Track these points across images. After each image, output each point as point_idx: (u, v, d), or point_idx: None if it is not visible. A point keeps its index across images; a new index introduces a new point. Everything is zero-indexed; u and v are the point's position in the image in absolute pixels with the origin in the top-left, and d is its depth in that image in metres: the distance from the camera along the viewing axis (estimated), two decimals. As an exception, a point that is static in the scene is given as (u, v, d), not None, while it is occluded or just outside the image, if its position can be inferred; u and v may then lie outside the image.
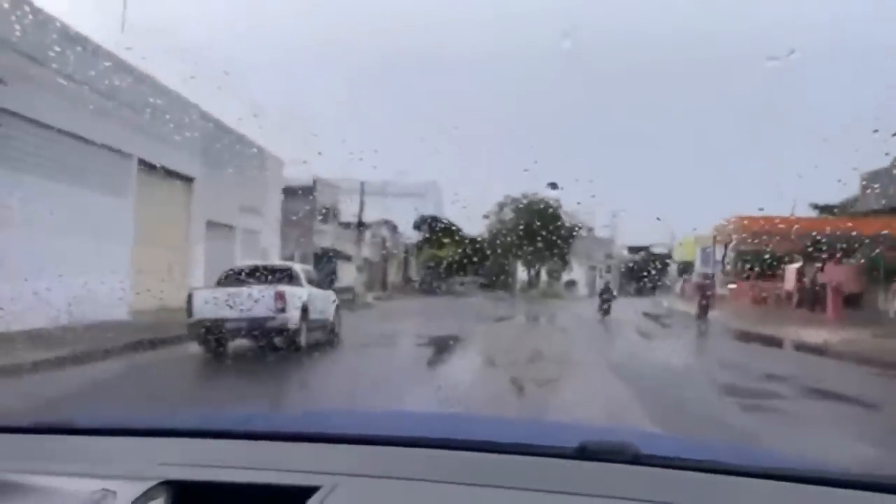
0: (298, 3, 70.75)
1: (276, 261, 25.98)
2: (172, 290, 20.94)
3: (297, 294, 12.96)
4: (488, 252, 53.18)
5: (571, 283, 62.42)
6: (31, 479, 1.32)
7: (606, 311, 23.51)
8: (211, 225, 22.79)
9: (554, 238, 50.61)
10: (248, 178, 24.47)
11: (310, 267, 18.02)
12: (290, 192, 30.92)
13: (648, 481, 1.31)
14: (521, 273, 58.95)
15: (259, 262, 17.17)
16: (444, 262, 52.52)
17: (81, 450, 1.54)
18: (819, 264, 33.83)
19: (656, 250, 70.47)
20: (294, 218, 31.06)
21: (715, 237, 31.66)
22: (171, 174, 20.11)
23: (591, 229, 61.60)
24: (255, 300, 12.26)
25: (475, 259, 55.02)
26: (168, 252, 20.62)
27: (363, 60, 68.50)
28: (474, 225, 56.32)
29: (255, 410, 5.65)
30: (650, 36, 62.52)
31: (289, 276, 13.73)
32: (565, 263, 59.04)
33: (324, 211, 34.60)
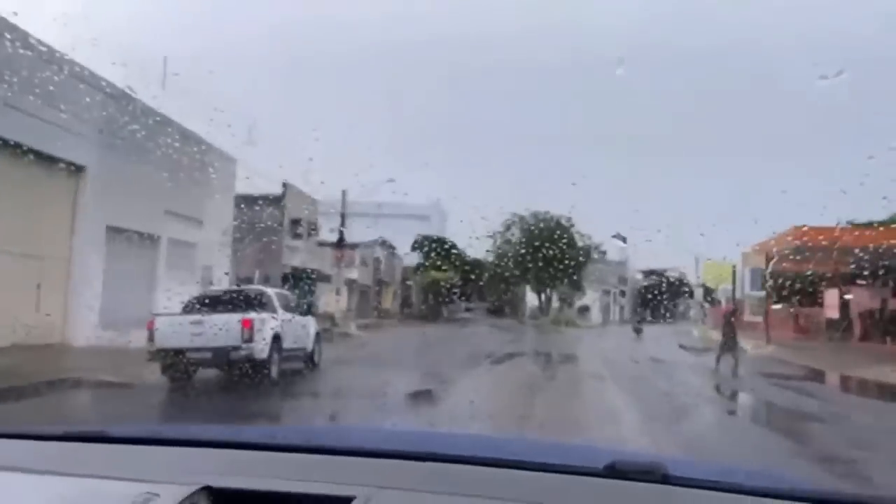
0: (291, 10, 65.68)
1: (222, 281, 20.34)
2: (42, 316, 14.67)
3: (268, 322, 11.66)
4: (494, 275, 47.17)
5: (585, 309, 56.42)
6: (73, 483, 1.30)
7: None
8: (116, 232, 16.42)
9: (566, 260, 44.63)
10: (179, 175, 18.19)
11: (287, 291, 15.83)
12: (251, 200, 24.65)
13: (677, 501, 1.29)
14: (531, 298, 52.84)
15: (232, 287, 15.55)
16: (447, 286, 46.40)
17: (115, 458, 1.49)
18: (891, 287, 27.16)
19: (671, 274, 64.01)
20: (255, 231, 24.81)
21: (768, 254, 25.01)
22: (41, 157, 13.88)
23: (604, 252, 55.39)
24: (221, 328, 11.11)
25: (480, 283, 48.93)
26: (35, 265, 14.29)
27: (364, 74, 62.89)
28: (480, 246, 50.39)
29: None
30: (677, 49, 56.58)
31: (261, 302, 12.34)
32: (578, 288, 52.58)
33: (296, 224, 28.29)
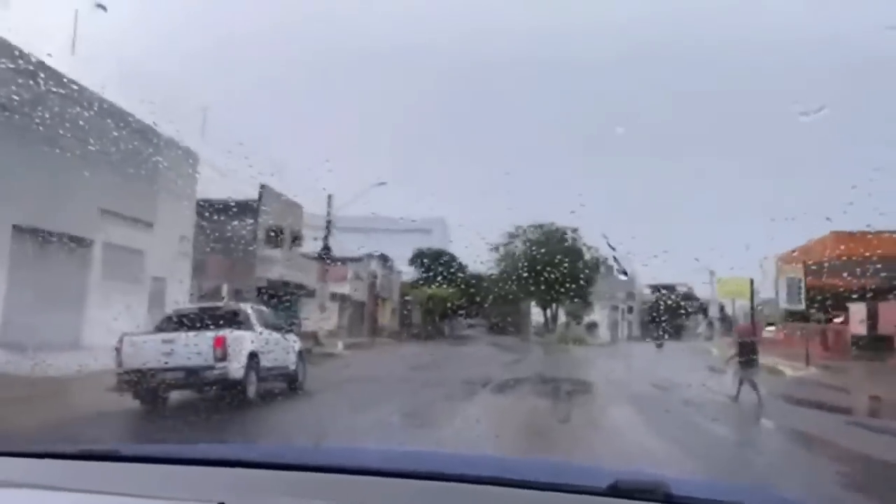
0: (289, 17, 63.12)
1: (179, 295, 17.20)
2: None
3: (244, 339, 11.05)
4: (497, 290, 43.96)
5: (592, 326, 53.14)
6: (92, 500, 1.29)
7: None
8: (26, 233, 13.17)
9: (573, 274, 41.50)
10: (121, 169, 15.01)
11: (265, 308, 14.76)
12: (220, 204, 21.44)
13: None
14: (536, 313, 49.65)
15: (207, 304, 14.69)
16: (447, 302, 43.20)
17: (132, 476, 1.50)
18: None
19: (681, 289, 60.90)
20: (224, 239, 21.56)
21: (805, 263, 21.64)
22: None
23: (611, 265, 52.24)
24: (193, 347, 10.40)
25: (483, 298, 45.79)
26: None
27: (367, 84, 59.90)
28: (483, 260, 47.39)
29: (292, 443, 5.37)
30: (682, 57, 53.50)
31: (236, 319, 11.70)
32: (586, 303, 49.27)
33: (275, 233, 25.03)
